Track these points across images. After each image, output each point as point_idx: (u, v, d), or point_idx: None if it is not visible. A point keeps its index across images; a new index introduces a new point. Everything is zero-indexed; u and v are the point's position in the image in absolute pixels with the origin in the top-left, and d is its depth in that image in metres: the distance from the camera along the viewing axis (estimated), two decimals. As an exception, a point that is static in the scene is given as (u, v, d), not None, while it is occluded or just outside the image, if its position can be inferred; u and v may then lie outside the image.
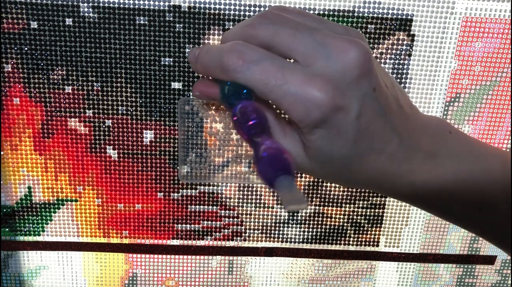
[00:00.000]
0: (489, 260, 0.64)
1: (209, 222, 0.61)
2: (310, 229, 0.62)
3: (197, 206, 0.60)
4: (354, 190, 0.60)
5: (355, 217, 0.62)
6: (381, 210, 0.61)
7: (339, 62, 0.21)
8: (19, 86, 0.54)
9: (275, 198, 0.60)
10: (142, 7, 0.52)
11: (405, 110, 0.23)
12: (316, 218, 0.62)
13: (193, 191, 0.60)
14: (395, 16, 0.53)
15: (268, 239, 0.62)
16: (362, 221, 0.62)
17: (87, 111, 0.55)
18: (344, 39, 0.21)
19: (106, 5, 0.51)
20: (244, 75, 0.22)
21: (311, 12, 0.53)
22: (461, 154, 0.26)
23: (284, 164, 0.20)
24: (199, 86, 0.26)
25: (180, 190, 0.59)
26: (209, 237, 0.62)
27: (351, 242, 0.63)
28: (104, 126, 0.56)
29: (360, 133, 0.22)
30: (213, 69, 0.23)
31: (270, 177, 0.19)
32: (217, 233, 0.62)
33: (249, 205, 0.61)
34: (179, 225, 0.61)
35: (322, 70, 0.21)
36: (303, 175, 0.59)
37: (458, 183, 0.25)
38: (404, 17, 0.53)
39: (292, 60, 0.22)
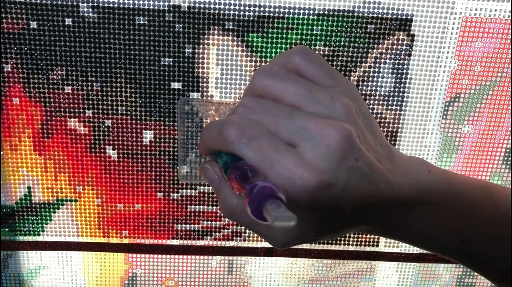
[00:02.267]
0: (489, 260, 0.64)
1: (209, 222, 0.61)
2: (310, 229, 0.62)
3: (197, 206, 0.60)
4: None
5: (355, 217, 0.62)
6: (381, 210, 0.61)
7: (323, 147, 0.23)
8: (19, 86, 0.54)
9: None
10: (142, 7, 0.51)
11: (386, 165, 0.25)
12: (316, 218, 0.61)
13: (193, 191, 0.60)
14: (395, 16, 0.53)
15: (268, 239, 0.62)
16: (362, 221, 0.62)
17: (86, 111, 0.55)
18: (325, 123, 0.23)
19: (106, 5, 0.51)
20: (240, 149, 0.24)
21: (311, 9, 0.53)
22: (442, 191, 0.27)
23: (272, 192, 0.21)
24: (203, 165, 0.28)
25: (180, 190, 0.59)
26: (208, 237, 0.62)
27: (351, 242, 0.63)
28: (103, 126, 0.56)
29: (348, 198, 0.24)
30: (215, 140, 0.25)
31: (259, 205, 0.20)
32: (217, 233, 0.62)
33: (249, 205, 0.61)
34: (179, 225, 0.61)
35: (309, 153, 0.23)
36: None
37: (441, 219, 0.27)
38: (404, 17, 0.53)
39: None
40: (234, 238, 0.62)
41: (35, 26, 0.52)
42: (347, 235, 0.63)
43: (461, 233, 0.28)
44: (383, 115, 0.57)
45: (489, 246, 0.28)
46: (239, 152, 0.24)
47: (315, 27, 0.53)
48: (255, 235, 0.62)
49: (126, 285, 0.65)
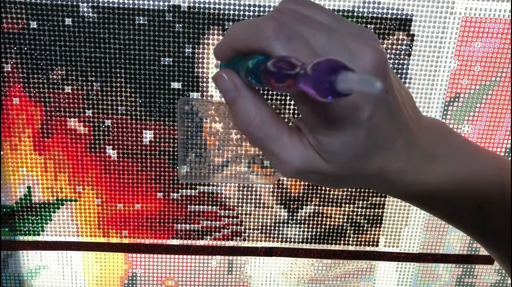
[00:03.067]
0: (489, 260, 0.64)
1: (209, 222, 0.61)
2: (310, 229, 0.62)
3: (197, 206, 0.60)
4: (354, 190, 0.60)
5: (354, 217, 0.62)
6: (380, 210, 0.61)
7: (357, 65, 0.21)
8: (19, 86, 0.54)
9: (274, 198, 0.60)
10: (141, 7, 0.51)
11: (409, 112, 0.24)
12: (315, 218, 0.62)
13: (193, 191, 0.60)
14: (394, 16, 0.53)
15: (267, 239, 0.62)
16: (362, 221, 0.62)
17: (86, 111, 0.55)
18: (361, 43, 0.21)
19: (106, 5, 0.51)
20: (276, 45, 0.21)
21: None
22: (460, 155, 0.26)
23: (340, 64, 0.18)
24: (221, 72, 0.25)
25: (180, 190, 0.59)
26: (208, 237, 0.62)
27: (350, 242, 0.63)
28: (103, 126, 0.56)
29: (370, 133, 0.22)
30: (246, 34, 0.23)
31: (327, 80, 0.17)
32: (217, 233, 0.62)
33: (248, 205, 0.61)
34: (179, 225, 0.61)
35: None
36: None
37: (457, 182, 0.26)
38: (403, 17, 0.53)
39: None
40: (234, 238, 0.62)
41: (35, 26, 0.52)
42: (347, 235, 0.63)
43: (478, 199, 0.27)
44: (383, 115, 0.57)
45: (501, 219, 0.27)
46: (274, 48, 0.21)
47: (315, 27, 0.53)
48: (255, 235, 0.62)
49: (126, 285, 0.65)
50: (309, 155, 0.23)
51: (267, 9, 0.52)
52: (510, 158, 0.59)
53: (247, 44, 0.23)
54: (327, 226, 0.62)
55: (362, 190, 0.60)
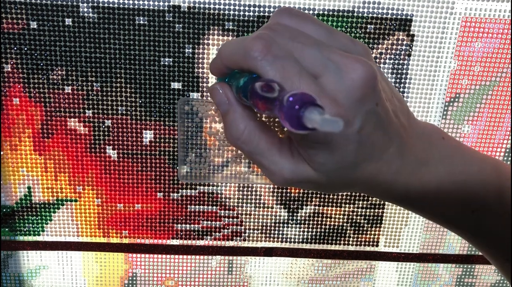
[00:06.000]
0: (489, 260, 0.64)
1: (209, 222, 0.61)
2: (310, 229, 0.62)
3: (197, 206, 0.60)
4: (353, 190, 0.60)
5: (354, 217, 0.62)
6: (380, 210, 0.61)
7: (346, 81, 0.21)
8: (19, 86, 0.54)
9: (274, 198, 0.60)
10: (141, 7, 0.52)
11: (402, 121, 0.24)
12: (315, 218, 0.62)
13: (193, 191, 0.60)
14: (394, 16, 0.53)
15: (267, 239, 0.62)
16: (362, 221, 0.62)
17: (86, 111, 0.55)
18: (350, 57, 0.22)
19: (106, 5, 0.51)
20: (263, 66, 0.22)
21: (311, 9, 0.53)
22: (453, 159, 0.27)
23: (311, 99, 0.19)
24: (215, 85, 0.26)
25: (180, 190, 0.59)
26: (208, 237, 0.62)
27: (350, 242, 0.63)
28: (103, 126, 0.56)
29: (361, 144, 0.22)
30: (235, 55, 0.23)
31: (297, 113, 0.19)
32: (217, 233, 0.62)
33: (248, 205, 0.61)
34: (179, 225, 0.61)
35: (331, 85, 0.21)
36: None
37: (450, 186, 0.26)
38: (403, 17, 0.53)
39: None
40: (234, 238, 0.62)
41: (35, 26, 0.52)
42: (347, 235, 0.63)
43: (471, 204, 0.27)
44: (383, 115, 0.57)
45: (498, 222, 0.27)
46: (261, 69, 0.22)
47: (315, 27, 0.53)
48: (255, 235, 0.62)
49: (126, 285, 0.65)
50: (299, 166, 0.24)
51: (267, 9, 0.52)
52: (510, 159, 0.59)
53: (237, 63, 0.24)
54: (327, 226, 0.62)
55: (362, 190, 0.60)
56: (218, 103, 0.25)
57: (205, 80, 0.55)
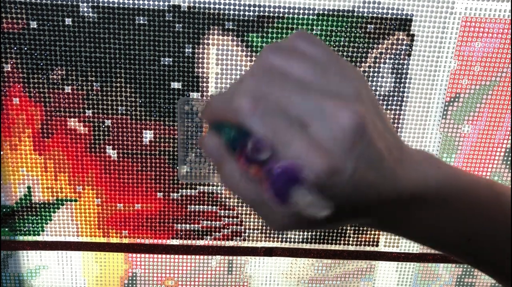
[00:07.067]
0: (489, 260, 0.64)
1: (209, 222, 0.61)
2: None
3: (197, 206, 0.60)
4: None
5: (354, 217, 0.62)
6: (380, 210, 0.61)
7: (335, 130, 0.22)
8: (19, 86, 0.54)
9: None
10: (142, 7, 0.51)
11: (395, 155, 0.25)
12: (315, 218, 0.61)
13: (193, 191, 0.60)
14: (394, 16, 0.53)
15: (267, 239, 0.62)
16: (362, 221, 0.62)
17: (86, 111, 0.55)
18: (338, 104, 0.22)
19: (106, 5, 0.51)
20: (252, 123, 0.22)
21: (311, 9, 0.53)
22: (451, 190, 0.27)
23: (296, 174, 0.19)
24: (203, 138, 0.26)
25: (180, 190, 0.59)
26: (208, 237, 0.62)
27: (350, 242, 0.63)
28: (103, 126, 0.56)
29: (355, 188, 0.23)
30: (225, 111, 0.24)
31: (283, 191, 0.19)
32: (217, 233, 0.62)
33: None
34: (179, 225, 0.61)
35: (319, 134, 0.22)
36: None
37: (446, 219, 0.27)
38: (403, 17, 0.53)
39: None
40: (234, 238, 0.62)
41: (35, 26, 0.52)
42: (347, 235, 0.63)
43: (467, 233, 0.27)
44: (383, 115, 0.57)
45: (495, 247, 0.28)
46: (250, 126, 0.22)
47: (315, 27, 0.53)
48: (255, 235, 0.62)
49: (126, 285, 0.65)
50: (295, 215, 0.24)
51: (267, 9, 0.52)
52: (510, 159, 0.59)
53: (226, 119, 0.24)
54: (327, 226, 0.62)
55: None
56: (211, 155, 0.26)
57: (205, 80, 0.55)
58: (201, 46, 0.53)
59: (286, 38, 0.25)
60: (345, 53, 0.54)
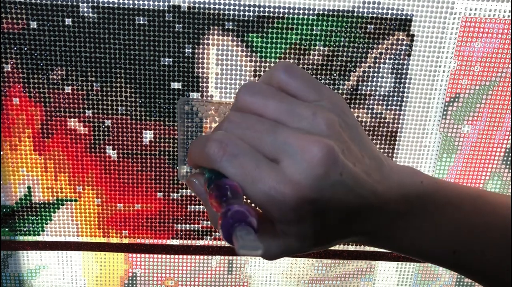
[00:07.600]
0: (489, 260, 0.64)
1: (209, 222, 0.61)
2: (310, 229, 0.62)
3: (197, 206, 0.60)
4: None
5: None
6: (380, 210, 0.61)
7: (305, 163, 0.23)
8: (19, 86, 0.54)
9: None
10: (141, 7, 0.52)
11: (375, 177, 0.25)
12: (315, 218, 0.62)
13: (193, 191, 0.60)
14: (394, 16, 0.53)
15: (267, 239, 0.62)
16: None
17: (86, 111, 0.56)
18: (307, 139, 0.23)
19: (106, 5, 0.51)
20: (222, 166, 0.24)
21: (311, 9, 0.53)
22: (435, 203, 0.27)
23: (243, 217, 0.21)
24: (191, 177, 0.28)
25: (180, 190, 0.59)
26: (208, 237, 0.62)
27: (350, 242, 0.63)
28: (103, 126, 0.56)
29: (333, 213, 0.24)
30: (199, 157, 0.25)
31: (229, 230, 0.21)
32: (217, 233, 0.62)
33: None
34: (179, 225, 0.61)
35: (291, 169, 0.23)
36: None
37: (431, 232, 0.27)
38: (403, 17, 0.53)
39: None
40: (234, 238, 0.62)
41: (35, 26, 0.52)
42: (347, 235, 0.63)
43: (453, 245, 0.28)
44: (383, 115, 0.57)
45: (481, 257, 0.28)
46: (221, 169, 0.24)
47: (314, 27, 0.53)
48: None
49: (126, 285, 0.65)
50: (282, 243, 0.25)
51: (267, 9, 0.52)
52: (510, 159, 0.59)
53: (202, 164, 0.26)
54: (327, 226, 0.62)
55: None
56: (198, 194, 0.28)
57: (205, 80, 0.55)
58: (201, 46, 0.53)
59: (267, 71, 0.27)
60: (345, 53, 0.54)
